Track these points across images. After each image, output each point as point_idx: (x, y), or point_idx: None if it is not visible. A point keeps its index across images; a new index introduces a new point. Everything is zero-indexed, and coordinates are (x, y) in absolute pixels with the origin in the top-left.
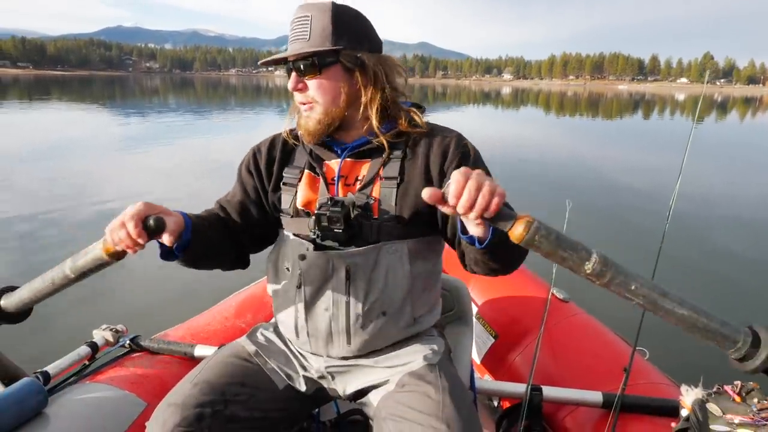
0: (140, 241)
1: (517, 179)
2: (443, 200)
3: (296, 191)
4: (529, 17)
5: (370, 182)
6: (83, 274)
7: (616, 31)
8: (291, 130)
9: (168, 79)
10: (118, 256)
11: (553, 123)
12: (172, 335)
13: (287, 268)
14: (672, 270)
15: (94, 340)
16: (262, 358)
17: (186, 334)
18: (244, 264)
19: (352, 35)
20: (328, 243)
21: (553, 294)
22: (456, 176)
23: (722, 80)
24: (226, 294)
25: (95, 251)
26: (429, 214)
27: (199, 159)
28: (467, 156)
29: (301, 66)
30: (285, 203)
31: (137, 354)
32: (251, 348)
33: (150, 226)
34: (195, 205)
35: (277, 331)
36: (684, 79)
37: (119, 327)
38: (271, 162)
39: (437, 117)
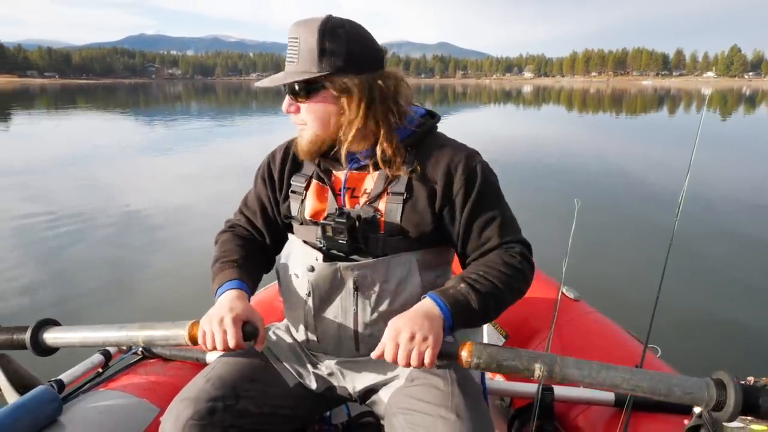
0: (236, 347)
1: (537, 177)
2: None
3: (304, 199)
4: (551, 14)
5: (377, 196)
6: (152, 345)
7: (639, 26)
8: None
9: (190, 85)
10: (196, 341)
11: (576, 121)
12: None
13: (296, 275)
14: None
15: (107, 348)
16: (273, 355)
17: None
18: (271, 267)
19: (339, 57)
20: (335, 252)
21: (563, 293)
22: (381, 347)
23: (751, 73)
24: None
25: (178, 332)
26: (434, 229)
27: (222, 163)
28: (473, 182)
29: (291, 90)
30: (294, 211)
31: (150, 361)
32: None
33: (248, 332)
34: (218, 207)
35: (288, 330)
36: (710, 73)
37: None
38: (282, 170)
39: (458, 117)
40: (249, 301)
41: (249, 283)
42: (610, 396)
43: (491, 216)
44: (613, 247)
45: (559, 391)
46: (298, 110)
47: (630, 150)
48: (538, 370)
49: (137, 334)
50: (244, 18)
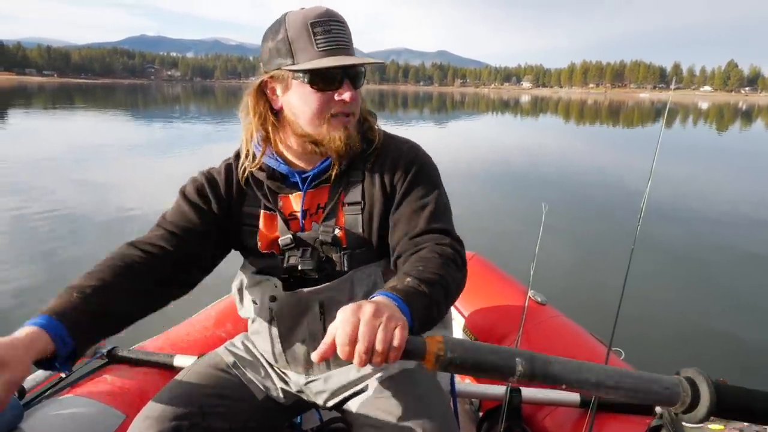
0: None
1: (533, 188)
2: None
3: (256, 232)
4: (551, 26)
5: (333, 211)
6: None
7: (637, 39)
8: (237, 157)
9: (189, 87)
10: None
11: (573, 132)
12: (151, 346)
13: (254, 302)
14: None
15: None
16: (240, 369)
17: (165, 344)
18: (190, 287)
19: None
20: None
21: (530, 297)
22: (332, 329)
23: (747, 88)
24: (204, 304)
25: None
26: None
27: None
28: (408, 172)
29: (358, 78)
30: (247, 243)
31: (115, 365)
32: (229, 359)
33: None
34: None
35: (255, 344)
36: (707, 87)
37: None
38: (229, 196)
39: (455, 125)
40: (70, 345)
41: (79, 320)
42: (575, 397)
43: (423, 203)
44: (580, 252)
45: (527, 393)
46: (355, 99)
47: (628, 161)
48: (520, 366)
49: None
50: (245, 21)
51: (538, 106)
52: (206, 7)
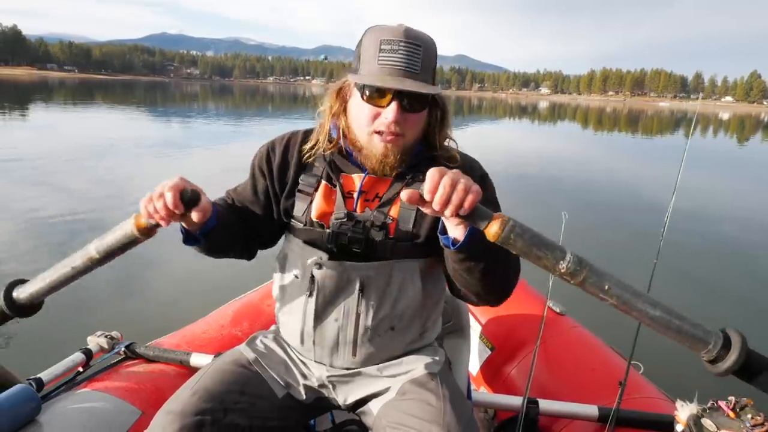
0: (177, 211)
1: (550, 195)
2: (421, 199)
3: (311, 201)
4: (571, 33)
5: (390, 201)
6: (110, 254)
7: (658, 48)
8: (306, 133)
9: (207, 86)
10: (149, 231)
11: (591, 139)
12: (168, 343)
13: (296, 276)
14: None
15: (88, 346)
16: (261, 365)
17: (181, 341)
18: (251, 256)
19: (435, 72)
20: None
21: (549, 307)
22: (431, 173)
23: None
24: (222, 302)
25: (126, 228)
26: None
27: (235, 164)
28: (478, 183)
29: (411, 102)
30: (298, 211)
31: (132, 361)
32: (251, 355)
33: (187, 196)
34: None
35: (277, 339)
36: (729, 98)
37: (114, 334)
38: (286, 166)
39: (473, 129)
40: (214, 216)
41: (220, 217)
42: (593, 411)
43: None
44: (600, 262)
45: (544, 405)
46: (403, 121)
47: (642, 170)
48: (567, 261)
49: (92, 250)
50: (266, 22)
51: (557, 113)
52: (228, 6)
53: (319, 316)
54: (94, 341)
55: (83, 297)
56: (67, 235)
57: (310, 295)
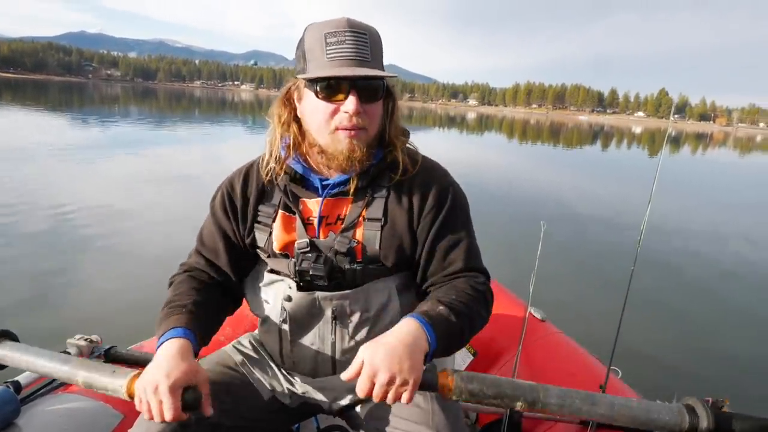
0: (173, 419)
1: (484, 202)
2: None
3: (271, 232)
4: (497, 46)
5: (353, 224)
6: (90, 389)
7: (579, 63)
8: (264, 159)
9: (130, 88)
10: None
11: (516, 150)
12: (148, 346)
13: (267, 301)
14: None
15: (67, 350)
16: (248, 367)
17: None
18: (237, 305)
19: (382, 60)
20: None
21: (530, 313)
22: (360, 381)
23: (676, 116)
24: None
25: (117, 383)
26: (413, 253)
27: (159, 170)
28: (443, 202)
29: (369, 91)
30: (260, 242)
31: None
32: (237, 357)
33: (188, 401)
34: (154, 215)
35: (262, 344)
36: (641, 113)
37: (94, 337)
38: (246, 198)
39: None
40: (195, 355)
41: (198, 333)
42: None
43: (457, 239)
44: (570, 281)
45: None
46: (362, 113)
47: (571, 180)
48: (521, 401)
49: (78, 373)
50: (194, 24)
51: (484, 123)
52: (154, 7)
53: (294, 339)
54: (74, 344)
55: (62, 299)
56: None
57: (284, 321)
